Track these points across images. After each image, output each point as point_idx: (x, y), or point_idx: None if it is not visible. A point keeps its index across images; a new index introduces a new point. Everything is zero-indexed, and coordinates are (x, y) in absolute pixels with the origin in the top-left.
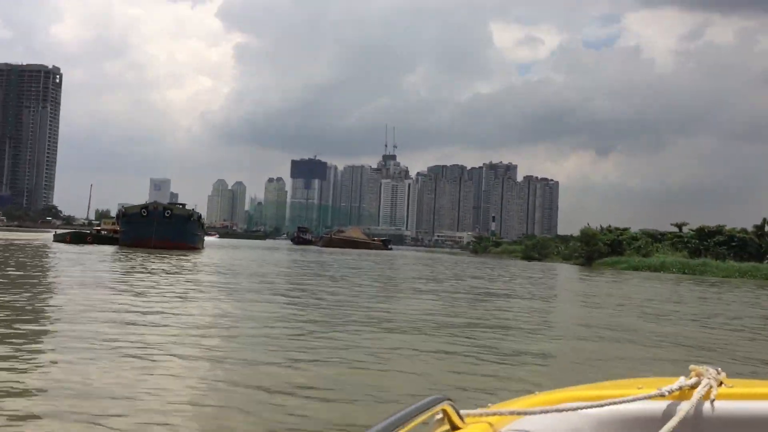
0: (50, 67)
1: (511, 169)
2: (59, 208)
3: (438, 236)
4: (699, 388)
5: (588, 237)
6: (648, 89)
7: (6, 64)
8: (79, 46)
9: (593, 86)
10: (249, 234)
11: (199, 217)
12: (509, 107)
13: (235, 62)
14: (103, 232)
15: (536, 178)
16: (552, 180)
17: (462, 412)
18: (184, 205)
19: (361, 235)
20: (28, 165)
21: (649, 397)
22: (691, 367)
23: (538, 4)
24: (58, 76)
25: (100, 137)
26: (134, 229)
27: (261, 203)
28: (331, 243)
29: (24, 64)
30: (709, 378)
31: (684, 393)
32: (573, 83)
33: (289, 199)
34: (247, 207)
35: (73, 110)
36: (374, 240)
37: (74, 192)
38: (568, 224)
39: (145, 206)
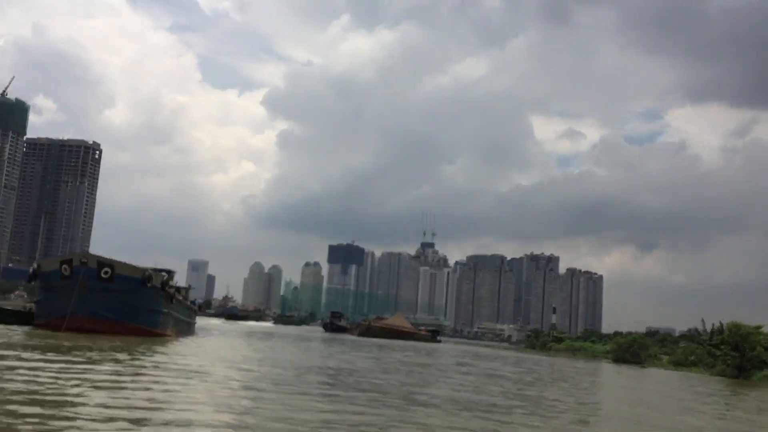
0: (90, 142)
1: (552, 260)
2: None
3: (478, 328)
4: None
5: (739, 337)
6: (693, 185)
7: (47, 139)
8: (128, 130)
9: (636, 181)
10: (283, 319)
11: (166, 282)
12: (549, 199)
13: (278, 148)
14: None
15: (579, 271)
16: (596, 274)
17: None
18: (159, 271)
19: (406, 323)
20: (62, 240)
21: None
22: None
23: (579, 99)
24: (97, 152)
25: (143, 219)
26: (54, 298)
27: (297, 288)
28: (369, 332)
29: (65, 138)
30: None
31: None
32: (615, 177)
33: (325, 284)
34: (282, 291)
35: (118, 192)
36: (420, 330)
37: None
38: (611, 321)
39: (67, 260)
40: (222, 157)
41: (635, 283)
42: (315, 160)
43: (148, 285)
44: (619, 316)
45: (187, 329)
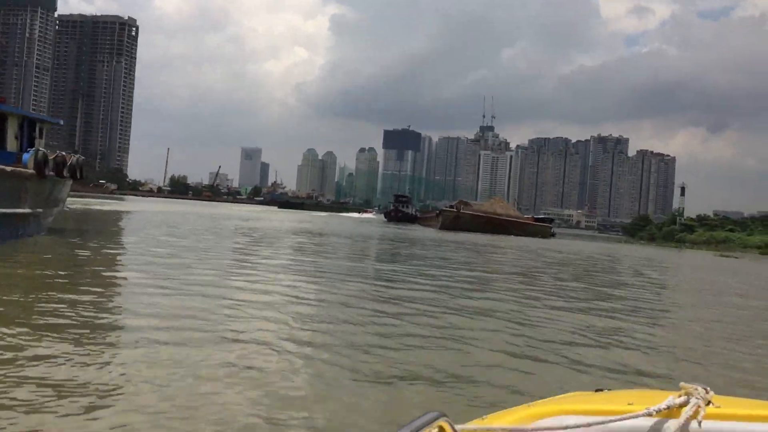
0: (125, 18)
1: (621, 142)
2: (133, 174)
3: (545, 214)
4: (687, 408)
5: None
6: None
7: (80, 15)
8: (181, 19)
9: (709, 59)
10: (337, 206)
11: None
12: (615, 81)
13: (331, 34)
14: None
15: (651, 152)
16: (668, 156)
17: (457, 426)
18: None
19: (511, 210)
20: (101, 125)
21: (638, 416)
22: (681, 384)
23: None
24: (134, 29)
25: (199, 108)
26: None
27: (351, 174)
28: (458, 223)
29: (98, 14)
30: (697, 397)
31: (672, 412)
32: (686, 56)
33: (380, 170)
34: (336, 178)
35: (174, 82)
36: (525, 219)
37: (172, 160)
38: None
39: None
40: (274, 44)
41: (702, 166)
42: (369, 45)
43: None
44: (689, 199)
45: None
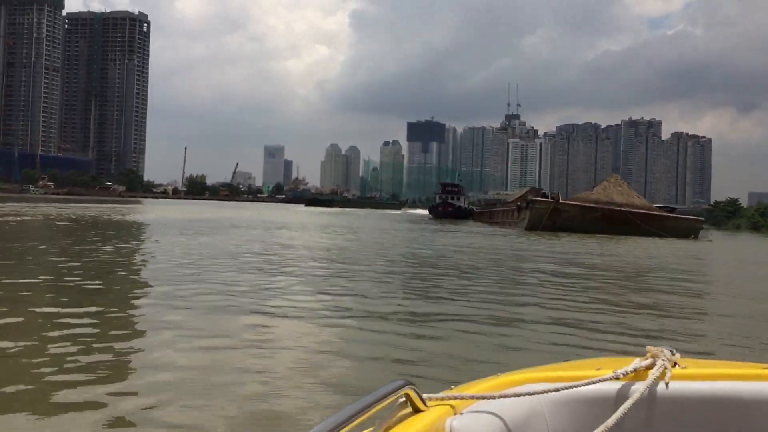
0: (136, 13)
1: (654, 125)
2: (153, 175)
3: None
4: (654, 370)
5: None
6: None
7: (90, 12)
8: (202, 21)
9: (736, 38)
10: (363, 201)
11: None
12: (640, 65)
13: (352, 30)
14: None
15: (686, 134)
16: (704, 137)
17: (424, 395)
18: None
19: (635, 197)
20: (115, 125)
21: (605, 380)
22: (648, 348)
23: None
24: (145, 24)
25: (221, 109)
26: None
27: (376, 168)
28: (555, 219)
29: (107, 11)
30: (663, 359)
31: (639, 374)
32: (713, 36)
33: (405, 163)
34: (361, 172)
35: (196, 84)
36: (657, 210)
37: (195, 162)
38: (718, 187)
39: None
40: (295, 42)
41: (732, 147)
42: (390, 40)
43: None
44: (720, 182)
45: None
